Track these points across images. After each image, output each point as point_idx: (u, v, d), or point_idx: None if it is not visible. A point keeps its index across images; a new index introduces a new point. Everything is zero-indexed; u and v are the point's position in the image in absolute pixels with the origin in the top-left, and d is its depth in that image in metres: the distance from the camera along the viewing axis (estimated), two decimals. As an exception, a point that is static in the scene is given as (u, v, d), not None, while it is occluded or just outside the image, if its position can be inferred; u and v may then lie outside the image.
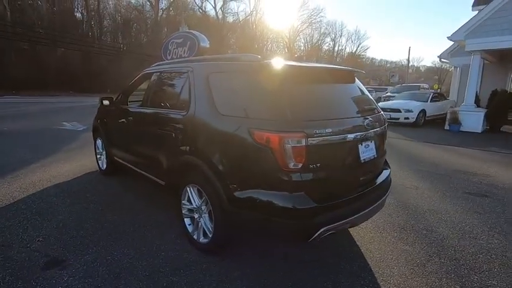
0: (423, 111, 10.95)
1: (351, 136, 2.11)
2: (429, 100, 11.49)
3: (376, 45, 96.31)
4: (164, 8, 40.86)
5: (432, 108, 11.45)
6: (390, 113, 10.80)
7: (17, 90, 23.16)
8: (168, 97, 3.10)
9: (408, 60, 40.52)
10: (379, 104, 11.96)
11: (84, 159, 5.29)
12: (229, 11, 46.79)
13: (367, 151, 2.29)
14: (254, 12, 46.59)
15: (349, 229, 3.01)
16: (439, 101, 12.13)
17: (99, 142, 4.52)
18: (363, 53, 61.88)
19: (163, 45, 18.32)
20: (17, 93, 22.49)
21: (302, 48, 55.59)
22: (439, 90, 17.47)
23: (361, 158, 2.23)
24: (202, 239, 2.50)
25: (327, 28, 56.61)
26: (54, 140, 6.86)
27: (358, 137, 2.18)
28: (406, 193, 4.09)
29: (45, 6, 29.93)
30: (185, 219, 2.68)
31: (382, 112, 2.73)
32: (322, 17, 60.26)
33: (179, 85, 2.87)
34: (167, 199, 3.25)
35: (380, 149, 2.52)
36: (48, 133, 7.79)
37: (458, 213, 3.48)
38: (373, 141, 2.38)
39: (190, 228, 2.65)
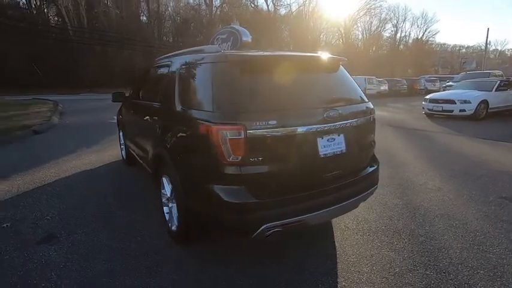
0: (485, 102, 9.40)
1: (302, 129, 1.95)
2: (494, 89, 9.78)
3: (448, 29, 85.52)
4: (218, 5, 42.21)
5: (498, 99, 9.74)
6: (442, 105, 9.56)
7: (91, 88, 26.51)
8: (153, 90, 3.24)
9: (486, 43, 35.23)
10: (432, 94, 10.69)
11: (117, 149, 5.83)
12: (281, 3, 46.21)
13: (330, 145, 2.10)
14: (307, 2, 45.23)
15: (336, 228, 2.82)
16: (507, 90, 10.25)
17: (121, 134, 4.94)
18: (431, 39, 55.70)
19: (210, 41, 19.09)
20: (91, 91, 25.74)
21: (360, 37, 52.30)
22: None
23: (321, 153, 2.05)
24: (173, 228, 2.59)
25: (388, 13, 52.27)
26: (101, 132, 7.69)
27: (315, 129, 2.00)
28: (423, 194, 3.63)
29: (114, 13, 33.33)
30: (164, 207, 2.80)
31: (365, 103, 2.47)
32: (382, 1, 55.86)
33: (161, 78, 2.98)
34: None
35: (354, 143, 2.28)
36: (99, 126, 8.76)
37: (478, 220, 2.97)
38: (341, 135, 2.16)
39: (167, 217, 2.76)
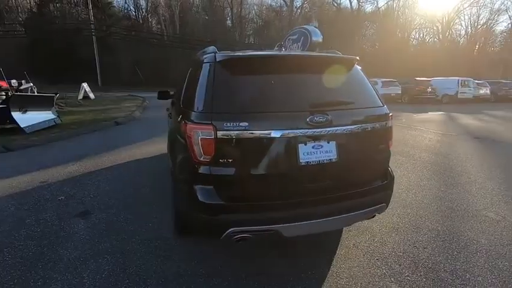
0: None
1: (277, 133, 1.82)
2: None
3: None
4: (299, 5, 42.11)
5: None
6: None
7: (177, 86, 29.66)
8: (178, 88, 3.44)
9: None
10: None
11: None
12: (367, 1, 43.32)
13: (316, 153, 1.91)
14: (397, -3, 41.20)
15: (342, 245, 2.54)
16: None
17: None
18: None
19: (282, 42, 19.18)
20: (177, 90, 28.79)
21: (462, 32, 45.03)
22: None
23: (302, 160, 1.88)
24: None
25: (503, 3, 43.59)
26: (164, 126, 8.58)
27: (294, 134, 1.85)
28: (475, 223, 2.96)
29: (202, 19, 36.53)
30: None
31: (377, 108, 2.16)
32: (497, -11, 46.90)
33: (183, 77, 3.16)
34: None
35: (352, 152, 2.02)
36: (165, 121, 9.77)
37: (539, 266, 2.28)
38: (332, 142, 1.95)
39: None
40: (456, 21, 43.29)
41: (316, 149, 1.91)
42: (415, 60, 34.15)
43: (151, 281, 2.13)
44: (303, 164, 1.88)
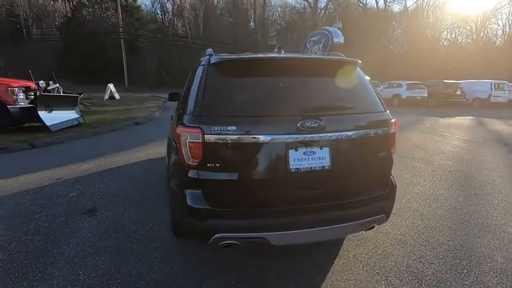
0: None
1: (266, 137, 1.76)
2: None
3: None
4: (323, 6, 41.55)
5: None
6: None
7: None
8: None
9: None
10: None
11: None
12: (395, 1, 41.92)
13: (308, 159, 1.83)
14: (427, -5, 39.50)
15: (341, 255, 2.43)
16: None
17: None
18: None
19: (303, 44, 19.00)
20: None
21: (499, 32, 42.28)
22: None
23: (292, 167, 1.81)
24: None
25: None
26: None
27: (284, 139, 1.78)
28: (492, 239, 2.72)
29: (225, 21, 37.00)
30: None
31: (378, 113, 2.04)
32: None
33: None
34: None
35: (349, 160, 1.92)
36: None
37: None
38: (325, 148, 1.86)
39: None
40: (492, 20, 40.78)
41: (308, 155, 1.83)
42: (446, 61, 32.49)
43: (142, 282, 2.14)
44: (293, 170, 1.81)
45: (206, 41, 35.17)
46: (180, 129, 1.85)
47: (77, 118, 8.06)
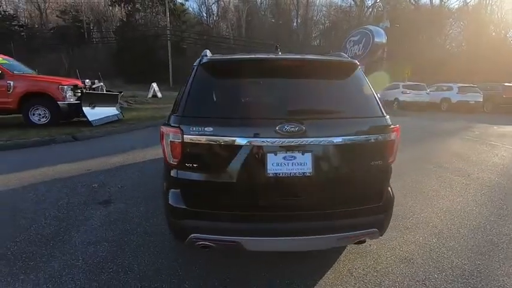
0: None
1: (243, 140, 1.71)
2: None
3: None
4: (370, 4, 39.69)
5: None
6: None
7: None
8: None
9: None
10: None
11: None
12: (452, -4, 38.43)
13: (287, 164, 1.75)
14: (491, -10, 35.59)
15: (336, 269, 2.29)
16: None
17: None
18: None
19: (343, 44, 18.35)
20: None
21: None
22: None
23: (270, 171, 1.74)
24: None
25: None
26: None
27: (261, 142, 1.72)
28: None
29: (268, 22, 37.14)
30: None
31: (374, 118, 1.88)
32: None
33: None
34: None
35: (335, 167, 1.80)
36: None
37: None
38: (307, 154, 1.76)
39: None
40: None
41: (288, 160, 1.75)
42: (515, 62, 28.93)
43: (131, 274, 2.23)
44: (270, 175, 1.74)
45: (248, 42, 35.71)
46: (163, 128, 1.89)
47: (116, 114, 8.70)
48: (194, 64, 2.12)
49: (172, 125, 1.85)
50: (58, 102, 7.52)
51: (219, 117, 1.80)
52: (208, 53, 2.23)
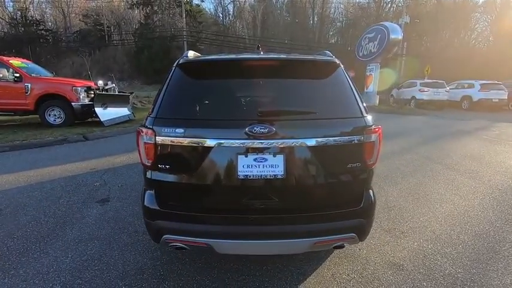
0: None
1: (212, 141, 1.69)
2: None
3: None
4: (389, 0, 38.52)
5: None
6: None
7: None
8: None
9: None
10: None
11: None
12: (477, -11, 36.66)
13: (258, 167, 1.71)
14: (521, -19, 33.60)
15: (320, 275, 2.23)
16: None
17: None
18: None
19: (358, 42, 17.92)
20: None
21: None
22: None
23: (240, 173, 1.71)
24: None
25: None
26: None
27: (230, 144, 1.69)
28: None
29: (283, 20, 36.90)
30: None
31: (353, 119, 1.81)
32: None
33: None
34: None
35: (309, 169, 1.75)
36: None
37: None
38: (279, 156, 1.71)
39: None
40: None
41: (259, 162, 1.71)
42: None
43: (114, 272, 2.27)
44: (241, 177, 1.71)
45: (264, 41, 35.61)
46: (138, 130, 1.90)
47: (128, 115, 8.92)
48: (173, 65, 2.12)
49: (146, 126, 1.85)
50: (72, 103, 7.81)
51: (190, 118, 1.79)
52: (189, 53, 2.23)
